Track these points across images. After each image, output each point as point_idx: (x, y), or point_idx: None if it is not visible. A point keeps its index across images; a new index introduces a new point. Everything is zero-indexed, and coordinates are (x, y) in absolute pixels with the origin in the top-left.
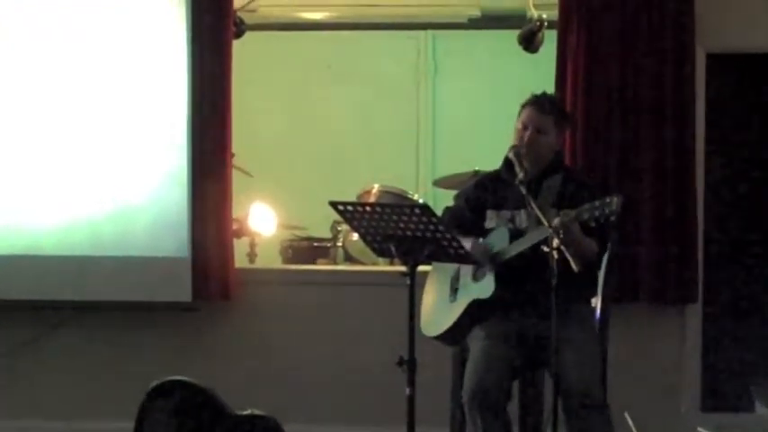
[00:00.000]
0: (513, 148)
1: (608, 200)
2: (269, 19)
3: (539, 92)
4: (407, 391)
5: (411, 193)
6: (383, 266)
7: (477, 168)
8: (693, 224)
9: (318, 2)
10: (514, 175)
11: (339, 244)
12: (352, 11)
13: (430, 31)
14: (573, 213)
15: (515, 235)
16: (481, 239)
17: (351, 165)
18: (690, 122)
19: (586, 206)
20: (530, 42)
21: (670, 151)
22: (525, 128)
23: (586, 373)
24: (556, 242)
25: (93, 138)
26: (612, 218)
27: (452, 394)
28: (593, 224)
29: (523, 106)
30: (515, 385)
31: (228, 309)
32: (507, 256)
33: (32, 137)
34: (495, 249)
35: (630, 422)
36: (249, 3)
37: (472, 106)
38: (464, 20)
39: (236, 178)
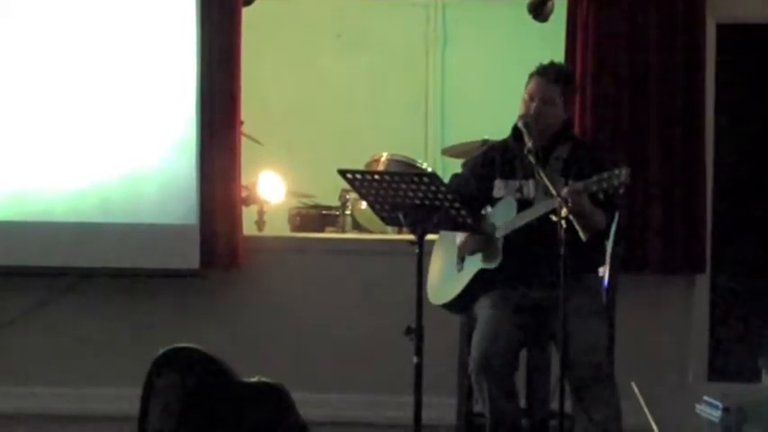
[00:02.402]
0: (522, 117)
1: (616, 172)
2: None
3: (546, 61)
4: (415, 359)
5: (420, 161)
6: (391, 235)
7: (486, 137)
8: (702, 194)
9: None
10: (523, 144)
11: (347, 212)
12: None
13: (439, 0)
14: (581, 185)
15: (523, 205)
16: (489, 208)
17: (360, 133)
18: (700, 93)
19: (594, 178)
20: (539, 12)
21: (679, 121)
22: (532, 98)
23: (593, 344)
24: (564, 211)
25: (103, 105)
26: (621, 190)
27: (460, 363)
28: (601, 196)
29: (531, 76)
30: (523, 355)
31: (236, 276)
32: (514, 227)
33: (43, 104)
34: (502, 221)
35: (637, 392)
36: None
37: (481, 75)
38: None
39: (245, 146)
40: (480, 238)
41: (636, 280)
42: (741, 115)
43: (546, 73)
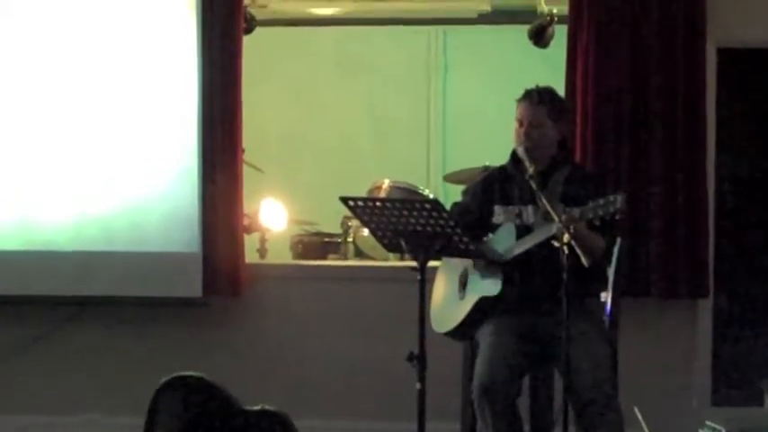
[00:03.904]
0: (518, 145)
1: (612, 198)
2: (279, 14)
3: (531, 86)
4: (418, 386)
5: (422, 188)
6: (393, 262)
7: (487, 163)
8: (704, 219)
9: None
10: (522, 170)
11: (349, 239)
12: (362, 6)
13: (440, 27)
14: (577, 212)
15: (522, 231)
16: (490, 234)
17: (361, 160)
18: (700, 117)
19: (590, 205)
20: (540, 37)
21: (681, 145)
22: (521, 124)
23: (596, 369)
24: (566, 237)
25: (106, 134)
26: (617, 216)
27: (463, 389)
28: (597, 223)
29: (518, 102)
30: (526, 382)
31: (239, 304)
32: (515, 253)
33: (46, 133)
34: (503, 247)
35: (640, 417)
36: None
37: (482, 101)
38: (474, 15)
39: (247, 174)
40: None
41: (639, 304)
42: (742, 140)
43: (530, 96)
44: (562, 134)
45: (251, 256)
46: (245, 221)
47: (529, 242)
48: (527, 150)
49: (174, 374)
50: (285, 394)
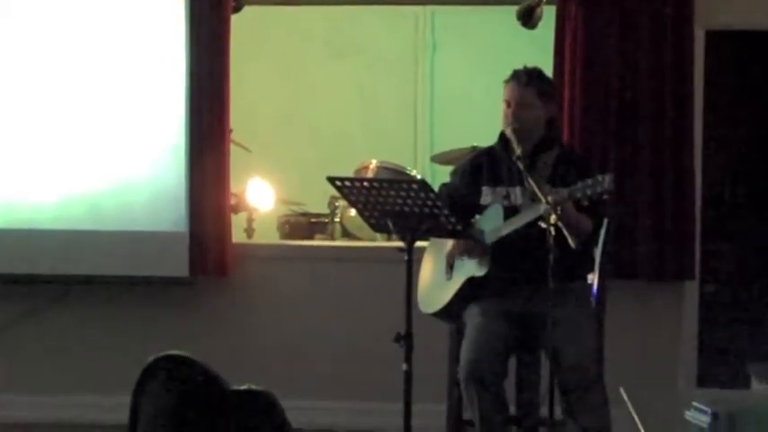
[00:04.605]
0: (507, 126)
1: (600, 178)
2: None
3: (519, 67)
4: (404, 366)
5: (409, 168)
6: (380, 242)
7: (474, 144)
8: (691, 201)
9: None
10: (510, 151)
11: (336, 219)
12: None
13: (428, 7)
14: (565, 192)
15: (510, 212)
16: (477, 216)
17: (349, 140)
18: (688, 99)
19: (578, 185)
20: (528, 18)
21: (668, 127)
22: (508, 104)
23: (582, 351)
24: (553, 218)
25: (93, 113)
26: (605, 196)
27: (449, 370)
28: (585, 203)
29: (505, 83)
30: (513, 362)
31: (225, 284)
32: (502, 234)
33: (32, 112)
34: (490, 228)
35: (626, 398)
36: None
37: (470, 82)
38: None
39: (235, 153)
40: (468, 243)
41: (625, 286)
42: (730, 122)
43: (518, 77)
44: (550, 115)
45: (238, 236)
46: (233, 201)
47: (516, 223)
48: (515, 131)
49: (161, 354)
50: (271, 374)
